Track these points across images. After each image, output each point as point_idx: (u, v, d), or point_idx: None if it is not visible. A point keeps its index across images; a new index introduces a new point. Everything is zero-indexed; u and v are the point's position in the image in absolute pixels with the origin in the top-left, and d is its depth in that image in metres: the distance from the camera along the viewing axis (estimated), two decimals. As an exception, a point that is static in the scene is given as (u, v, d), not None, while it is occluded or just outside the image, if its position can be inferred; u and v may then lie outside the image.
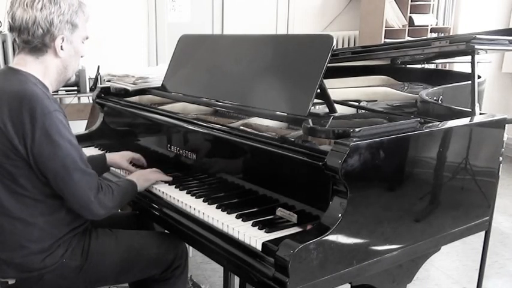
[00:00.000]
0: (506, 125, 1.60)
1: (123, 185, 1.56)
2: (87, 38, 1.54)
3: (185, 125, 1.72)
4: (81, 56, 1.54)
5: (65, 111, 1.47)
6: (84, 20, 1.50)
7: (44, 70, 1.46)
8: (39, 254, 1.44)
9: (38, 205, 1.43)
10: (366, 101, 2.04)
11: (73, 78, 1.60)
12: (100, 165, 1.78)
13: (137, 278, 1.65)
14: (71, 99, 3.61)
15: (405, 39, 4.58)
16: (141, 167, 1.85)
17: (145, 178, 1.68)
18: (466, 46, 1.64)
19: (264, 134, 1.51)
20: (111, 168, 1.87)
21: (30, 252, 1.44)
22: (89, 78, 3.60)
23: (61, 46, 1.44)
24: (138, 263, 1.60)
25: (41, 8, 1.39)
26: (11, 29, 1.45)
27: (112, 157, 1.83)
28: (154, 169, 1.75)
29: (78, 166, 1.39)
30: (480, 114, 1.60)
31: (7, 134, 1.35)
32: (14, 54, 1.59)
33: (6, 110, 1.36)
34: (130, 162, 1.85)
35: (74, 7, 1.44)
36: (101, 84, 3.40)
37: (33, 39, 1.41)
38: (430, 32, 4.87)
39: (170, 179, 1.71)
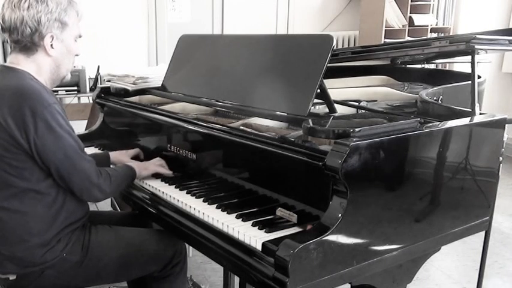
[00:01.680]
0: (506, 125, 1.60)
1: (120, 171, 1.63)
2: (80, 37, 1.55)
3: (185, 125, 1.72)
4: (76, 55, 1.55)
5: (65, 111, 1.49)
6: (76, 18, 1.52)
7: (37, 69, 1.49)
8: (39, 248, 1.46)
9: (39, 198, 1.45)
10: (366, 101, 2.04)
11: (68, 77, 1.62)
12: (103, 162, 1.82)
13: (137, 275, 1.66)
14: (71, 99, 3.61)
15: (405, 39, 4.58)
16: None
17: (145, 167, 1.72)
18: (466, 46, 1.64)
19: (264, 134, 1.51)
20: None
21: (30, 245, 1.45)
22: (89, 78, 3.61)
23: (51, 44, 1.47)
24: (138, 259, 1.61)
25: (28, 8, 1.41)
26: (2, 29, 1.48)
27: (114, 155, 1.88)
28: (157, 160, 1.77)
29: (79, 154, 1.45)
30: (480, 114, 1.60)
31: (8, 128, 1.37)
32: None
33: (6, 106, 1.38)
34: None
35: (62, 5, 1.46)
36: (101, 84, 3.41)
37: (22, 38, 1.44)
38: (430, 32, 4.87)
39: (169, 172, 1.74)
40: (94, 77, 3.58)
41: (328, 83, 1.59)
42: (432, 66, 3.40)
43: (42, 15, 1.42)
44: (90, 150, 2.09)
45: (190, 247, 2.44)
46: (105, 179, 1.50)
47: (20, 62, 1.48)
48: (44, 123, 1.37)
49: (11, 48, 1.50)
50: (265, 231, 1.29)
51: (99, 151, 2.10)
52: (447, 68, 4.22)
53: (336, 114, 1.56)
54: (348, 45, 5.02)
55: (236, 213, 1.40)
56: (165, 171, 1.74)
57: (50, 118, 1.38)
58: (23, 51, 1.47)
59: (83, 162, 1.45)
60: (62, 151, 1.40)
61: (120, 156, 1.87)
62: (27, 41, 1.44)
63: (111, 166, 1.86)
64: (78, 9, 1.52)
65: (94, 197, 1.50)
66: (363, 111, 1.81)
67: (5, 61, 3.30)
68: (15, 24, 1.42)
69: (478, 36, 1.63)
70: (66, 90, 3.52)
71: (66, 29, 1.48)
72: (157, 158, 1.79)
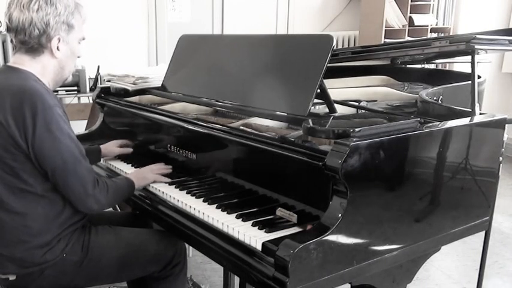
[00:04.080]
0: (506, 125, 1.60)
1: (120, 183, 1.60)
2: (83, 39, 1.56)
3: (185, 125, 1.72)
4: (78, 57, 1.56)
5: (66, 114, 1.49)
6: (81, 21, 1.52)
7: (41, 70, 1.49)
8: (39, 249, 1.46)
9: (38, 199, 1.45)
10: (366, 101, 2.04)
11: (70, 79, 1.62)
12: (95, 155, 1.90)
13: (137, 275, 1.65)
14: (71, 99, 3.61)
15: (405, 39, 4.58)
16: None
17: (143, 177, 1.70)
18: (466, 46, 1.64)
19: (264, 134, 1.51)
20: (114, 165, 1.94)
21: (30, 246, 1.45)
22: (89, 78, 3.61)
23: (57, 47, 1.47)
24: (138, 259, 1.61)
25: (37, 9, 1.41)
26: (8, 29, 1.47)
27: (105, 147, 1.95)
28: (154, 166, 1.75)
29: (78, 160, 1.42)
30: (480, 114, 1.60)
31: (8, 128, 1.37)
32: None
33: (7, 105, 1.38)
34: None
35: (70, 8, 1.46)
36: (101, 84, 3.41)
37: (30, 39, 1.43)
38: (430, 32, 4.87)
39: (168, 180, 1.71)
40: (94, 77, 3.58)
41: (328, 83, 1.59)
42: (432, 66, 3.40)
43: (51, 18, 1.42)
44: (90, 150, 2.10)
45: (190, 247, 2.44)
46: (102, 190, 1.47)
47: (24, 62, 1.47)
48: (43, 124, 1.36)
49: (15, 48, 1.50)
50: (265, 231, 1.29)
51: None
52: (447, 68, 4.22)
53: (336, 114, 1.56)
54: (348, 45, 5.02)
55: (236, 213, 1.40)
56: (164, 179, 1.71)
57: (50, 120, 1.37)
58: (29, 52, 1.47)
59: (81, 169, 1.42)
60: (59, 154, 1.39)
61: (110, 147, 1.95)
62: (34, 43, 1.44)
63: (113, 168, 1.88)
64: (82, 12, 1.52)
65: (89, 207, 1.47)
66: (363, 111, 1.81)
67: (4, 61, 3.31)
68: (23, 25, 1.42)
69: (478, 36, 1.63)
70: (66, 90, 3.51)
71: (72, 32, 1.49)
72: (155, 164, 1.77)
